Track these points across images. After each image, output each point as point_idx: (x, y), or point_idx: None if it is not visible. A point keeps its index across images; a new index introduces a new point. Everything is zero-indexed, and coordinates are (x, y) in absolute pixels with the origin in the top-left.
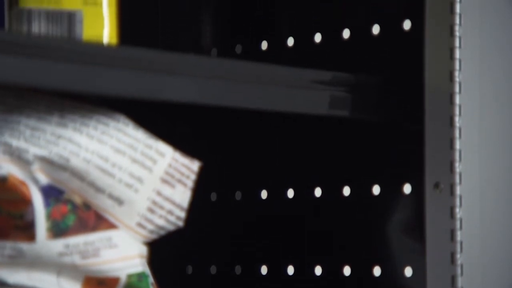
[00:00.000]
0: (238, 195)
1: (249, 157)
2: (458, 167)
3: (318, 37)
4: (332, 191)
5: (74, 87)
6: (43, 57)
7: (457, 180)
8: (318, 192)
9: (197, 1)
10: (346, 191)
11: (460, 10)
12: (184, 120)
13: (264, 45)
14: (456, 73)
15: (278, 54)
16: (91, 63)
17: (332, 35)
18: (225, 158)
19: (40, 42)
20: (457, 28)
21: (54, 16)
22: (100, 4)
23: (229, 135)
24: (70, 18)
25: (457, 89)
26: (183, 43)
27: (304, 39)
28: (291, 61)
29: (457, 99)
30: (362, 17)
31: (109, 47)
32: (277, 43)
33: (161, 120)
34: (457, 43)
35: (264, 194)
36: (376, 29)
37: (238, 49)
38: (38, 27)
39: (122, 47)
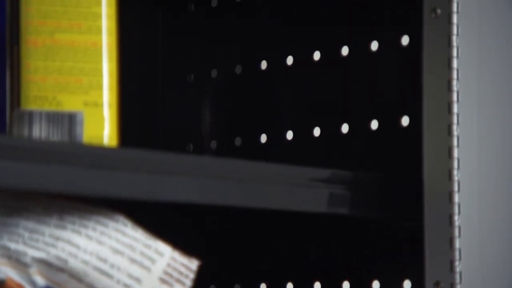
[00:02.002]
0: None
1: (248, 250)
2: (458, 266)
3: (317, 131)
4: (331, 286)
5: (75, 190)
6: (43, 161)
7: (457, 280)
8: (317, 286)
9: (198, 94)
10: (346, 286)
11: (458, 109)
12: (183, 213)
13: (264, 138)
14: (455, 172)
15: (277, 147)
16: (92, 166)
17: (331, 129)
18: (224, 251)
19: (40, 146)
20: (455, 127)
21: (55, 118)
22: (101, 105)
23: (228, 228)
24: (71, 119)
25: (456, 187)
26: (183, 135)
27: (303, 133)
28: (290, 155)
29: (456, 198)
30: (360, 112)
31: (109, 150)
32: (277, 136)
33: (160, 213)
34: (455, 142)
35: None
36: (374, 125)
37: (238, 141)
38: (39, 129)
39: (122, 150)
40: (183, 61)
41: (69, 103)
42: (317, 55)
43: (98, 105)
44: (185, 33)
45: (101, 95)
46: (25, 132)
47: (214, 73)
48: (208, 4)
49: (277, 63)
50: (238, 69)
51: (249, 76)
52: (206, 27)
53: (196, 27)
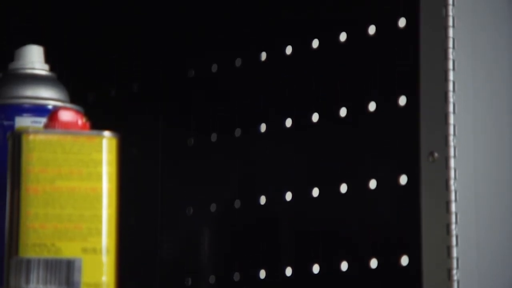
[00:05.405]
0: None
1: None
2: None
3: (316, 268)
4: None
5: None
6: None
7: None
8: None
9: (197, 227)
10: None
11: (457, 254)
12: None
13: (263, 273)
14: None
15: (276, 283)
16: None
17: (330, 267)
18: None
19: None
20: (454, 272)
21: (53, 264)
22: (100, 252)
23: None
24: (69, 266)
25: None
26: (181, 269)
27: (302, 269)
28: None
29: None
30: (360, 249)
31: None
32: (276, 272)
33: None
34: (455, 286)
35: None
36: (374, 263)
37: (237, 276)
38: (37, 277)
39: None
40: (182, 195)
41: (67, 250)
42: (315, 192)
43: (96, 251)
44: (185, 167)
45: (100, 242)
46: (23, 280)
47: (213, 207)
48: (207, 139)
49: (275, 198)
50: (237, 204)
51: (248, 211)
52: (205, 161)
53: (195, 161)
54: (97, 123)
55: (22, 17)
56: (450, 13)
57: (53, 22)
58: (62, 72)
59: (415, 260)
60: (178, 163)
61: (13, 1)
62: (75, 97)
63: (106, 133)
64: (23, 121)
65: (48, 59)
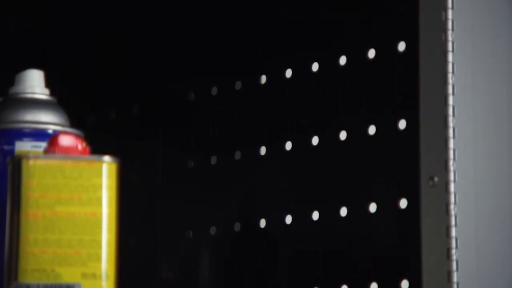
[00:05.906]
0: None
1: None
2: None
3: None
4: None
5: None
6: None
7: None
8: None
9: (196, 250)
10: None
11: (457, 278)
12: None
13: None
14: None
15: None
16: None
17: None
18: None
19: None
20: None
21: None
22: (99, 277)
23: None
24: None
25: None
26: None
27: None
28: None
29: None
30: (360, 273)
31: None
32: None
33: None
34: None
35: None
36: (374, 287)
37: None
38: None
39: None
40: (182, 218)
41: (67, 275)
42: (315, 215)
43: (96, 276)
44: (184, 190)
45: (99, 267)
46: None
47: (213, 230)
48: (207, 162)
49: (275, 221)
50: (237, 227)
51: (248, 234)
52: (205, 184)
53: (195, 184)
54: (97, 145)
55: (22, 41)
56: (450, 38)
57: (52, 45)
58: (62, 95)
59: (415, 285)
60: (178, 185)
61: (13, 26)
62: (75, 119)
63: (106, 158)
64: (23, 146)
65: (47, 81)
